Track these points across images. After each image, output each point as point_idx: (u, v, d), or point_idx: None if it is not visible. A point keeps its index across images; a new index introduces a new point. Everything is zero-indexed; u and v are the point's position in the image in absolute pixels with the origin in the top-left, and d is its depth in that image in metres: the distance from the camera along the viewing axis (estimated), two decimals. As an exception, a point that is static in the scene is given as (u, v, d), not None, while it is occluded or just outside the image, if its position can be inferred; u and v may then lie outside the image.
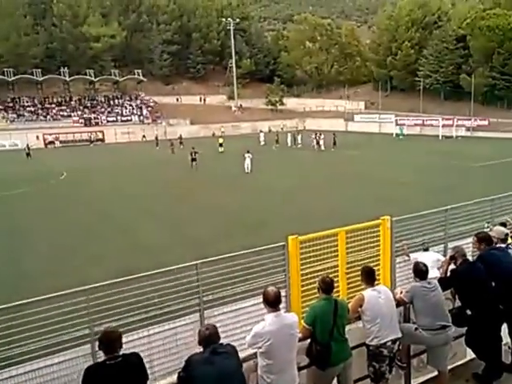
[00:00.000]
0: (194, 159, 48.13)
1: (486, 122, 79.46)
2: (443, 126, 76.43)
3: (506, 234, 9.76)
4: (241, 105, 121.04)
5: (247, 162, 44.11)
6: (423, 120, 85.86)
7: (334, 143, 63.60)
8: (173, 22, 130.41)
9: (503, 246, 9.40)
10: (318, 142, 64.06)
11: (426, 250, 11.69)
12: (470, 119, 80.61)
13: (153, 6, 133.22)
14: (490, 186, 28.72)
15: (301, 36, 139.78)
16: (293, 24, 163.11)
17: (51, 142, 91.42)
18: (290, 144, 70.91)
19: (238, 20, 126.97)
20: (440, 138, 73.55)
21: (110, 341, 5.89)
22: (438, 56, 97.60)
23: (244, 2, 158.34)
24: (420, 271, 8.10)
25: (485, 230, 11.43)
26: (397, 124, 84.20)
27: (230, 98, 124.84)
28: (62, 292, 7.27)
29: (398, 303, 8.05)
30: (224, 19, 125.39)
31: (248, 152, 44.66)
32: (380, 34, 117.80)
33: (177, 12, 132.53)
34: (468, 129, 79.27)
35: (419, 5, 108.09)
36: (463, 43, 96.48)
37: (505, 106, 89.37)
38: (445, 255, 11.36)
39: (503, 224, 11.19)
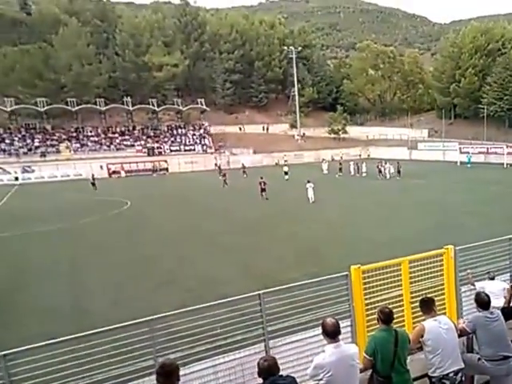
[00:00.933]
0: (263, 189, 47.73)
1: (551, 150, 77.24)
2: (508, 153, 74.42)
3: None
4: (304, 133, 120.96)
5: (310, 191, 43.76)
6: (487, 148, 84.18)
7: (399, 172, 63.05)
8: (235, 50, 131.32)
9: None
10: (380, 171, 63.87)
11: (492, 278, 11.55)
12: (535, 147, 78.48)
13: (215, 34, 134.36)
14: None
15: (363, 64, 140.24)
16: (355, 52, 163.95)
17: (115, 172, 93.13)
18: (353, 173, 70.44)
19: (300, 48, 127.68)
20: (505, 165, 71.79)
21: (167, 374, 5.93)
22: (502, 83, 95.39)
23: (306, 30, 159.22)
24: (482, 301, 8.12)
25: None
26: (461, 152, 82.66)
27: (293, 126, 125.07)
28: (127, 323, 7.40)
29: (461, 333, 8.07)
30: (286, 47, 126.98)
31: (309, 182, 44.38)
32: (443, 62, 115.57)
33: (239, 40, 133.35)
34: (534, 156, 77.19)
35: (482, 32, 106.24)
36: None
37: None
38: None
39: None
